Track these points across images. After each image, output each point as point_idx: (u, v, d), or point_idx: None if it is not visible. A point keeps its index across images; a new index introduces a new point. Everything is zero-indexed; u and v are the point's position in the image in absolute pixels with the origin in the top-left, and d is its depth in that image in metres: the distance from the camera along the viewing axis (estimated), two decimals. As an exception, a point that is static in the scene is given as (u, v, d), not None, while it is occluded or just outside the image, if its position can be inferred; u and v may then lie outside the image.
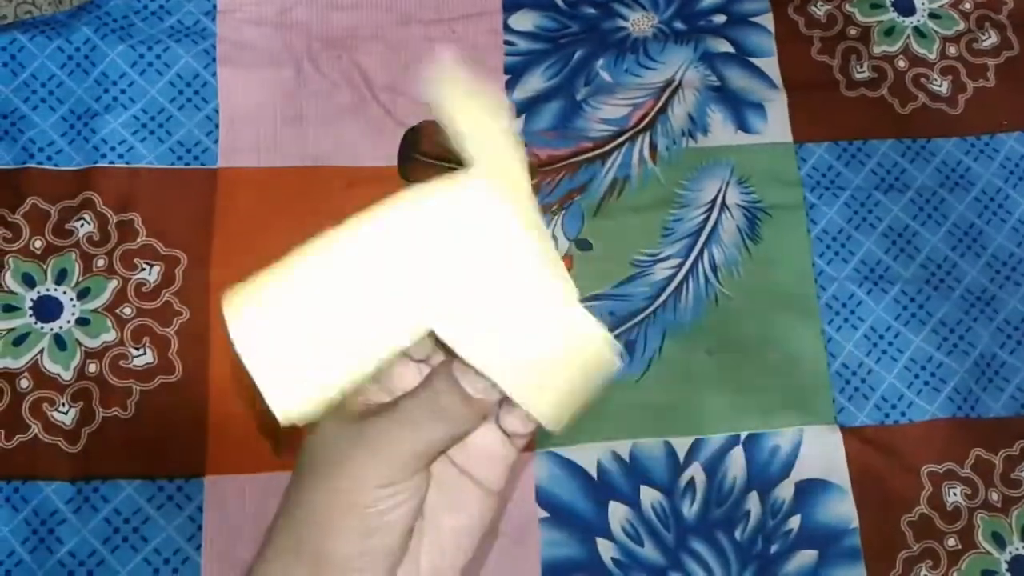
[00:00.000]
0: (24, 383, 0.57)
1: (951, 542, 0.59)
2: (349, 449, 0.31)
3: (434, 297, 0.29)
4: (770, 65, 0.68)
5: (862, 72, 0.68)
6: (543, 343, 0.30)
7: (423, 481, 0.31)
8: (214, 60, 0.64)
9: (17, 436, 0.56)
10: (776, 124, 0.66)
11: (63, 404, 0.56)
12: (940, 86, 0.69)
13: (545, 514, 0.57)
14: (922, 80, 0.69)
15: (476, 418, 0.31)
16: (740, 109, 0.66)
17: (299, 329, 0.29)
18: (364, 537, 0.31)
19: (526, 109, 0.65)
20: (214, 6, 0.65)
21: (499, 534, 0.56)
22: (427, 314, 0.29)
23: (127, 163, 0.62)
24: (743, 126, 0.66)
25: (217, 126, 0.63)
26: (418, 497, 0.32)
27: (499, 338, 0.30)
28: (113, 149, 0.62)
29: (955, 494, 0.60)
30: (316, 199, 0.62)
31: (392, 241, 0.30)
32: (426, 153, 0.64)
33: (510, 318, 0.30)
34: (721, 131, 0.66)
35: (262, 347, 0.29)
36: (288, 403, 0.29)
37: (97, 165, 0.61)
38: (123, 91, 0.63)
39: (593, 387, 0.31)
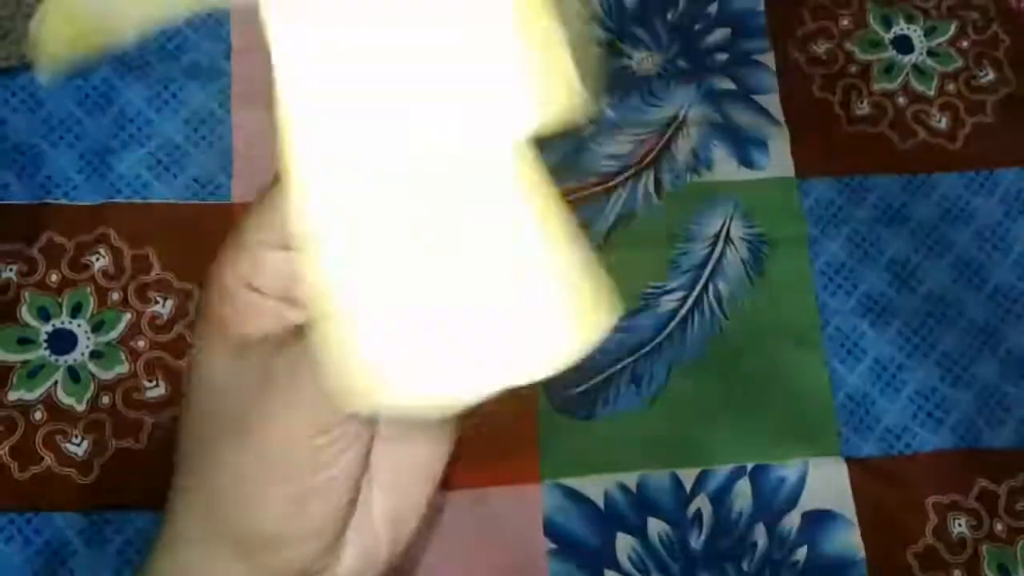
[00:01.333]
0: (38, 415, 0.57)
1: (957, 573, 0.59)
2: (262, 397, 0.24)
3: None
4: (772, 102, 0.69)
5: (862, 108, 0.70)
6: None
7: (365, 427, 0.24)
8: (229, 98, 0.66)
9: (31, 467, 0.56)
10: (778, 159, 0.67)
11: (76, 435, 0.57)
12: (939, 122, 0.70)
13: (553, 546, 0.58)
14: (922, 116, 0.70)
15: None
16: (743, 145, 0.68)
17: None
18: (296, 505, 0.24)
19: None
20: (229, 46, 0.67)
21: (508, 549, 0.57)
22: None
23: (143, 199, 0.63)
24: (746, 161, 0.67)
25: (231, 163, 0.64)
26: (362, 440, 0.25)
27: None
28: (129, 185, 0.63)
29: (960, 525, 0.60)
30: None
31: None
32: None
33: None
34: (724, 166, 0.67)
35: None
36: None
37: (113, 201, 0.62)
38: (139, 128, 0.65)
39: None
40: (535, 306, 0.21)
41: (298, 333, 0.23)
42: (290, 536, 0.25)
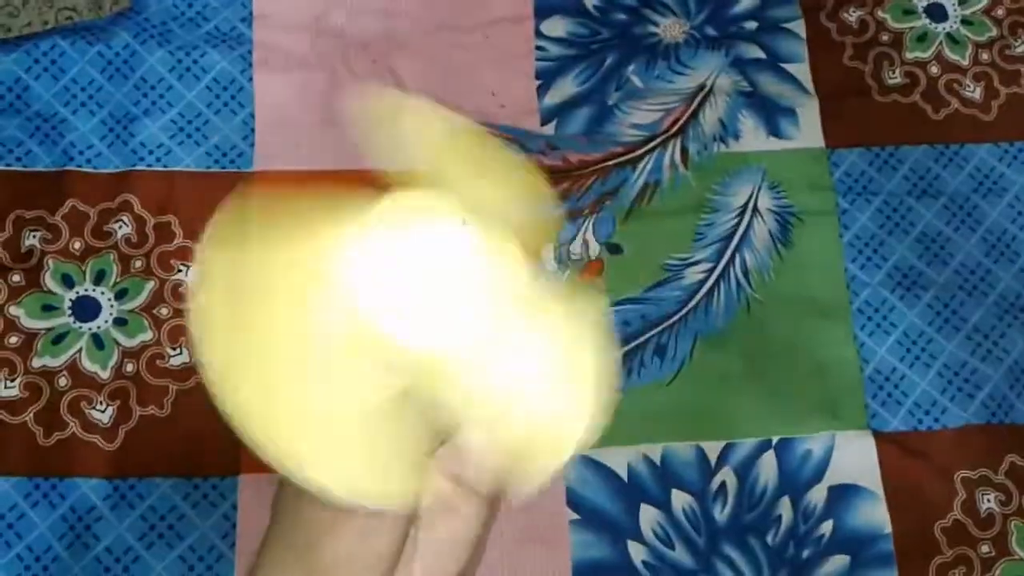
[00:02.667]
0: (63, 381, 0.57)
1: (984, 548, 0.58)
2: None
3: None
4: (802, 71, 0.68)
5: (894, 78, 0.68)
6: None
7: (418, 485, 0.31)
8: (250, 65, 0.65)
9: (55, 434, 0.56)
10: (808, 129, 0.66)
11: (101, 403, 0.57)
12: (973, 92, 0.68)
13: (576, 516, 0.57)
14: (955, 86, 0.68)
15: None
16: (772, 114, 0.66)
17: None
18: (361, 538, 0.31)
19: (557, 114, 0.66)
20: (250, 12, 0.66)
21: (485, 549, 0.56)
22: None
23: (164, 166, 0.63)
24: (775, 131, 0.66)
25: (253, 130, 0.64)
26: (412, 497, 0.31)
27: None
28: (151, 153, 0.63)
29: (989, 500, 0.59)
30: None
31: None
32: (459, 157, 0.64)
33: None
34: (753, 136, 0.66)
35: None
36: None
37: (135, 168, 0.62)
38: (161, 96, 0.64)
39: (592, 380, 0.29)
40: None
41: None
42: (351, 564, 0.31)
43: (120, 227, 0.61)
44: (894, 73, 0.68)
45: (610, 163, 0.65)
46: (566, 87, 0.66)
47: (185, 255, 0.61)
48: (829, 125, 0.66)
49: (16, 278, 0.59)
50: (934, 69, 0.69)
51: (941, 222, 0.65)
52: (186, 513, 0.56)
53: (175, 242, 0.61)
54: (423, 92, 0.65)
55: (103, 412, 0.57)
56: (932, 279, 0.64)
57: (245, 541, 0.56)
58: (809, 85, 0.67)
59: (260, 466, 0.60)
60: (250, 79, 0.65)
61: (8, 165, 0.61)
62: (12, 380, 0.57)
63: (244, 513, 0.56)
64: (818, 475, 0.59)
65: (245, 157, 0.63)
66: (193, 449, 0.57)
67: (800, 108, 0.67)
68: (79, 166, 0.62)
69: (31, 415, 0.57)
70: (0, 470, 0.55)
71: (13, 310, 0.58)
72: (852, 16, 0.70)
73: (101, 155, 0.62)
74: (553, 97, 0.66)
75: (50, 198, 0.61)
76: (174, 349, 0.59)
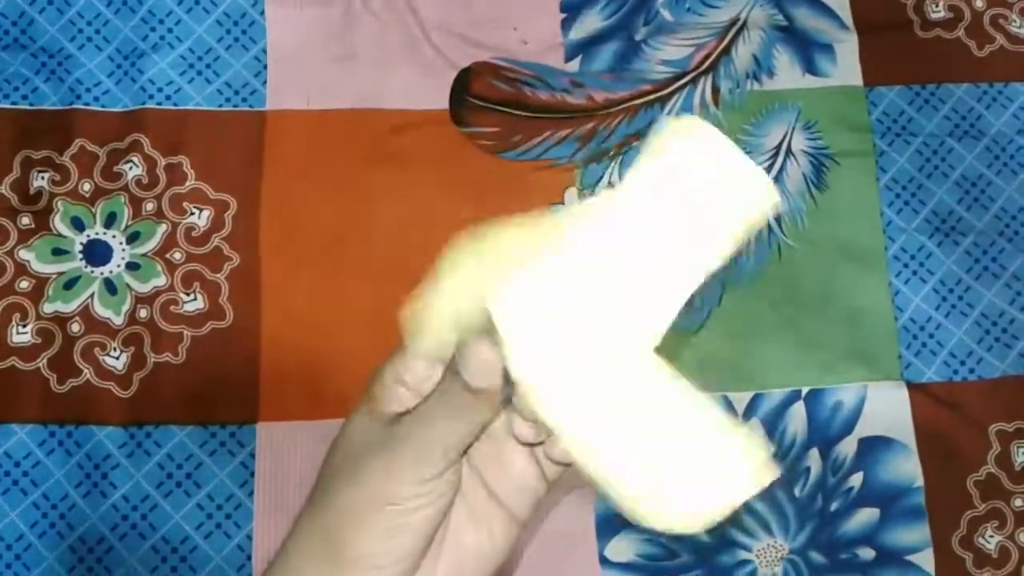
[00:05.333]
0: (75, 327, 0.56)
1: (1018, 503, 0.57)
2: (378, 449, 0.32)
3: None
4: (841, 4, 0.64)
5: (937, 12, 0.65)
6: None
7: (448, 488, 0.32)
8: (262, -2, 0.62)
9: (70, 380, 0.55)
10: (846, 66, 0.63)
11: (115, 349, 0.56)
12: (1020, 27, 0.65)
13: (599, 467, 0.56)
14: (1000, 21, 0.65)
15: (486, 408, 0.31)
16: (808, 50, 0.63)
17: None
18: (387, 535, 0.32)
19: (583, 50, 0.63)
20: (262, -58, 0.63)
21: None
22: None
23: (175, 104, 0.60)
24: (811, 68, 0.63)
25: (265, 67, 0.61)
26: (442, 502, 0.32)
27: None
28: (160, 90, 0.60)
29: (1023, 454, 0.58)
30: (365, 143, 0.60)
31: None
32: (479, 96, 0.62)
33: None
34: (788, 74, 0.63)
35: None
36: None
37: (145, 106, 0.60)
38: (170, 30, 0.62)
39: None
40: (703, 456, 0.28)
41: (414, 414, 0.32)
42: (375, 559, 0.32)
43: (130, 168, 0.59)
44: (937, 6, 0.65)
45: (638, 102, 0.62)
46: (592, 21, 0.63)
47: (197, 198, 0.59)
48: (868, 62, 0.63)
49: (25, 220, 0.58)
50: (979, 3, 0.65)
51: (982, 164, 0.62)
52: (203, 461, 0.55)
53: (187, 184, 0.59)
54: (442, 28, 0.63)
55: (117, 359, 0.56)
56: (971, 224, 0.61)
57: (263, 489, 0.55)
58: (848, 19, 0.64)
59: (278, 413, 0.59)
60: (262, 12, 0.62)
61: (14, 103, 0.59)
62: (24, 326, 0.56)
63: (262, 461, 0.55)
64: (848, 427, 0.57)
65: (257, 95, 0.61)
66: (209, 396, 0.56)
67: (838, 44, 0.64)
68: (87, 104, 0.60)
69: (44, 361, 0.55)
70: (14, 417, 0.55)
71: (23, 254, 0.57)
72: (894, -55, 0.66)
73: (109, 92, 0.60)
74: (578, 32, 0.63)
75: (58, 137, 0.59)
76: (188, 294, 0.57)
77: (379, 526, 0.31)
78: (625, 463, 0.28)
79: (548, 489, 0.35)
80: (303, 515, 0.34)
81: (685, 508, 0.28)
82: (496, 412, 0.32)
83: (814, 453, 0.57)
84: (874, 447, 0.57)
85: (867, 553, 0.56)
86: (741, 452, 0.28)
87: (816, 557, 0.56)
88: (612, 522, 0.55)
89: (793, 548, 0.56)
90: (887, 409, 0.58)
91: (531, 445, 0.33)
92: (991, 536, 0.56)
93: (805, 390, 0.58)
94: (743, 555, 0.56)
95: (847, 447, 0.57)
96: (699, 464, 0.28)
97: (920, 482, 0.57)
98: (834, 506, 0.56)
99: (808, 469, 0.57)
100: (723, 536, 0.56)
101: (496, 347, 0.30)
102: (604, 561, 0.55)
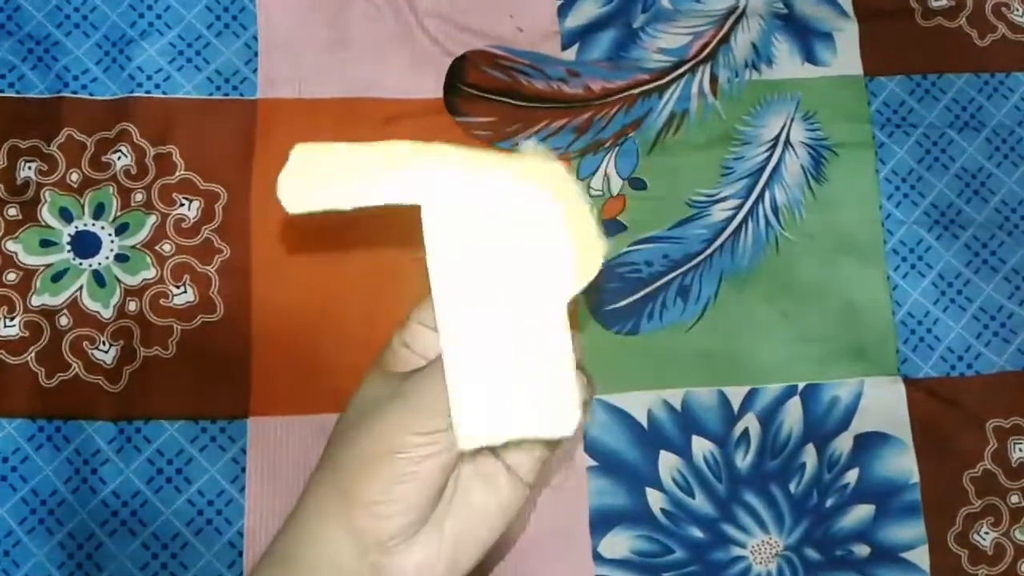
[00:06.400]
0: (64, 320, 0.55)
1: (1014, 499, 0.57)
2: (388, 401, 0.34)
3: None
4: (841, -9, 0.63)
5: (939, 1, 0.64)
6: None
7: (454, 444, 0.33)
8: (252, -17, 0.61)
9: (58, 374, 0.55)
10: (846, 56, 0.62)
11: (104, 342, 0.55)
12: (1022, 17, 0.64)
13: (593, 463, 0.56)
14: (1003, 10, 0.64)
15: None
16: (808, 39, 0.62)
17: None
18: (394, 483, 0.33)
19: (579, 38, 0.62)
20: (252, -75, 0.62)
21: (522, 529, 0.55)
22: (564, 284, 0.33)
23: (164, 93, 0.59)
24: (810, 57, 0.62)
25: (256, 54, 0.60)
26: (448, 456, 0.34)
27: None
28: (149, 78, 0.59)
29: (1021, 450, 0.57)
30: (358, 133, 0.59)
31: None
32: (474, 85, 0.61)
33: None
34: (787, 63, 0.62)
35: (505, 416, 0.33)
36: None
37: (133, 95, 0.59)
38: (158, 16, 0.60)
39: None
40: (548, 389, 0.33)
41: (423, 371, 0.35)
42: (384, 506, 0.34)
43: (119, 158, 0.58)
44: (939, -6, 0.64)
45: (635, 91, 0.61)
46: (589, 8, 0.62)
47: (187, 188, 0.58)
48: (868, 51, 0.62)
49: (12, 211, 0.57)
50: (982, -10, 0.64)
51: (983, 156, 0.62)
52: (194, 456, 0.54)
53: (176, 174, 0.58)
54: (436, 15, 0.62)
55: (106, 352, 0.55)
56: (971, 217, 0.61)
57: (255, 485, 0.54)
58: (848, 7, 0.63)
59: (269, 408, 0.58)
60: (252, -2, 0.61)
61: (1, 91, 0.58)
62: (11, 319, 0.55)
63: (253, 456, 0.55)
64: (845, 423, 0.57)
65: (248, 83, 0.60)
66: (200, 391, 0.55)
67: (838, 32, 0.62)
68: (74, 92, 0.59)
69: (32, 355, 0.55)
70: (2, 411, 0.54)
71: (11, 245, 0.56)
72: (896, -69, 0.65)
73: (97, 80, 0.59)
74: (575, 19, 0.62)
75: (45, 126, 0.58)
76: (178, 287, 0.57)
77: (388, 473, 0.33)
78: (475, 377, 0.32)
79: (552, 452, 0.37)
80: (317, 469, 0.36)
81: (492, 424, 0.32)
82: None
83: (810, 449, 0.57)
84: (870, 443, 0.57)
85: (862, 550, 0.55)
86: (565, 399, 0.33)
87: (811, 554, 0.55)
88: (606, 519, 0.55)
89: (788, 545, 0.56)
90: (884, 405, 0.57)
91: None
92: (986, 533, 0.56)
93: (801, 385, 0.57)
94: (737, 551, 0.55)
95: (843, 443, 0.57)
96: (528, 392, 0.32)
97: (916, 478, 0.56)
98: (829, 502, 0.56)
99: (804, 465, 0.56)
100: (717, 532, 0.56)
101: None
102: (598, 557, 0.55)
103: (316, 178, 0.33)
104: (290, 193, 0.33)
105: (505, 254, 0.32)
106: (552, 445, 0.37)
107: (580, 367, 0.34)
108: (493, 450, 0.36)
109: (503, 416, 0.32)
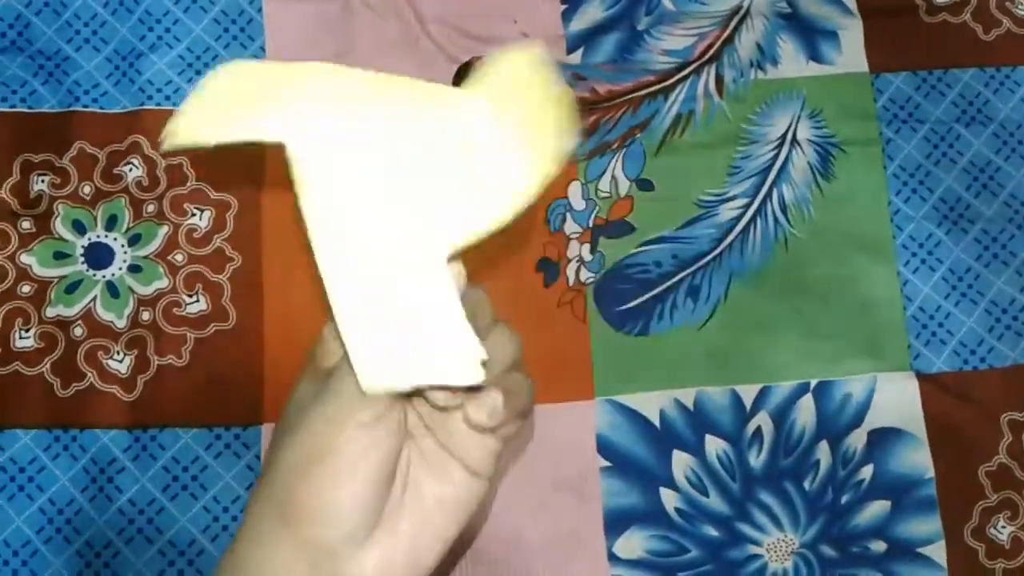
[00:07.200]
0: (78, 331, 0.56)
1: (1031, 493, 0.56)
2: (316, 399, 0.33)
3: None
4: (845, -11, 0.63)
5: (943, -4, 0.64)
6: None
7: (389, 434, 0.32)
8: (259, -5, 0.62)
9: (73, 384, 0.55)
10: (851, 53, 0.62)
11: (118, 352, 0.56)
12: (1027, 10, 0.64)
13: (607, 463, 0.56)
14: (1007, 4, 0.64)
15: None
16: (812, 38, 0.62)
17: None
18: (332, 485, 0.31)
19: (584, 41, 0.62)
20: (258, -62, 0.63)
21: (488, 514, 0.55)
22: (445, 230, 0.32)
23: (174, 105, 0.60)
24: (815, 56, 0.62)
25: (264, 65, 0.61)
26: (385, 449, 0.32)
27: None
28: (159, 91, 0.60)
29: (1036, 443, 0.57)
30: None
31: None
32: (480, 90, 0.61)
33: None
34: (792, 61, 0.62)
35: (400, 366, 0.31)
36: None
37: (144, 107, 0.59)
38: (167, 30, 0.61)
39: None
40: (442, 339, 0.31)
41: (346, 363, 0.32)
42: (324, 512, 0.31)
43: (130, 170, 0.59)
44: (943, -10, 0.64)
45: (641, 93, 0.61)
46: (593, 11, 0.63)
47: (198, 199, 0.58)
48: (873, 48, 0.62)
49: (26, 224, 0.57)
50: (986, -14, 0.64)
51: (991, 151, 0.61)
52: (209, 463, 0.55)
53: (188, 185, 0.59)
54: (440, 21, 0.62)
55: (120, 362, 0.56)
56: (980, 212, 0.61)
57: (269, 491, 0.54)
58: (852, 5, 0.63)
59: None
60: (259, 10, 0.62)
61: (13, 107, 0.59)
62: (27, 330, 0.56)
63: (268, 463, 0.55)
64: (858, 419, 0.57)
65: (257, 93, 0.60)
66: (213, 399, 0.56)
67: (842, 30, 0.63)
68: (85, 106, 0.59)
69: (47, 366, 0.55)
70: (18, 422, 0.54)
71: (25, 258, 0.57)
72: (899, -71, 0.65)
73: (107, 94, 0.60)
74: (580, 23, 0.62)
75: (57, 140, 0.59)
76: (191, 296, 0.57)
77: (323, 477, 0.31)
78: (366, 322, 0.31)
79: (501, 444, 0.35)
80: (257, 485, 0.34)
81: (392, 371, 0.31)
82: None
83: (823, 446, 0.56)
84: (884, 439, 0.57)
85: (879, 546, 0.55)
86: (460, 348, 0.31)
87: (827, 551, 0.55)
88: (621, 519, 0.55)
89: (804, 542, 0.55)
90: (897, 400, 0.57)
91: (481, 429, 0.34)
92: (1003, 527, 0.56)
93: (814, 382, 0.57)
94: (753, 550, 0.55)
95: (857, 439, 0.57)
96: (421, 340, 0.31)
97: (931, 473, 0.56)
98: (845, 499, 0.56)
99: (818, 462, 0.56)
100: (732, 531, 0.55)
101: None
102: (613, 558, 0.55)
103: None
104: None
105: (394, 192, 0.31)
106: (504, 437, 0.35)
107: (519, 369, 0.34)
108: (438, 444, 0.35)
109: (402, 364, 0.31)
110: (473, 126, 0.32)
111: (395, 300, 0.31)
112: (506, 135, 0.32)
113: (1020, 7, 0.64)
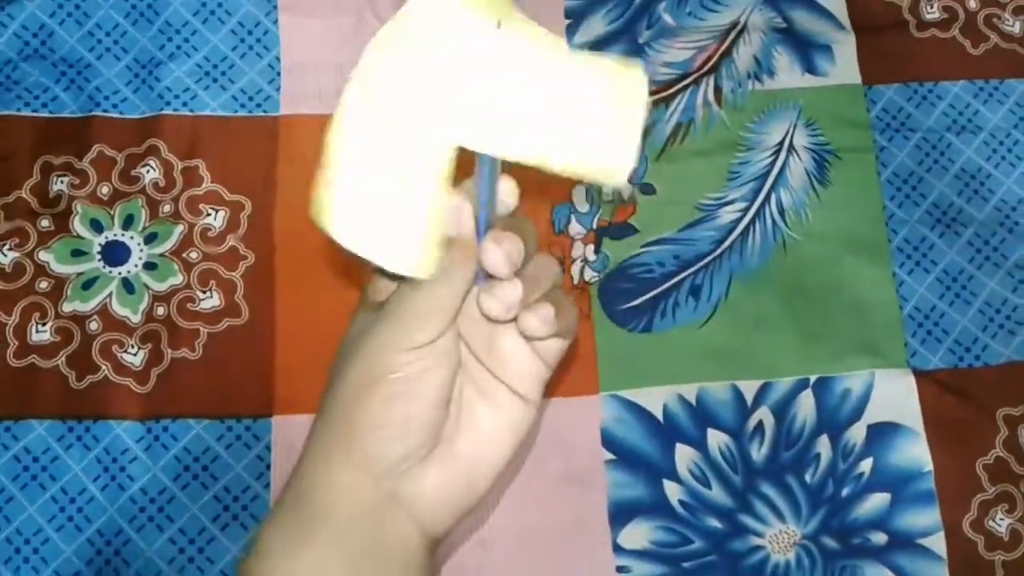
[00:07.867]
0: (94, 325, 0.57)
1: (1028, 487, 0.57)
2: (371, 327, 0.34)
3: (449, 112, 0.32)
4: (838, 6, 0.66)
5: (932, 13, 0.67)
6: (568, 102, 0.31)
7: (443, 356, 0.33)
8: (275, 7, 0.64)
9: (88, 377, 0.56)
10: (845, 66, 0.65)
11: (132, 346, 0.57)
12: (1012, 26, 0.67)
13: (611, 456, 0.57)
14: (994, 20, 0.67)
15: (461, 262, 0.33)
16: (807, 51, 0.65)
17: (372, 194, 0.32)
18: (388, 403, 0.33)
19: (587, 53, 0.64)
20: (275, -46, 0.65)
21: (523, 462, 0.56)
22: (450, 131, 0.32)
23: (191, 111, 0.62)
24: (810, 68, 0.65)
25: (279, 74, 0.63)
26: (440, 371, 0.33)
27: (527, 122, 0.31)
28: (177, 97, 0.62)
29: (1032, 439, 0.58)
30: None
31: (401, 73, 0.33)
32: (487, 98, 0.63)
33: (525, 97, 0.31)
34: (788, 73, 0.64)
35: (361, 232, 0.32)
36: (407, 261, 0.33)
37: (162, 113, 0.61)
38: (186, 40, 0.63)
39: (638, 117, 0.32)
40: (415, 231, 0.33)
41: (399, 290, 0.34)
42: (382, 430, 0.33)
43: (148, 172, 0.60)
44: (932, 8, 0.67)
45: (642, 102, 0.63)
46: (596, 25, 0.65)
47: (213, 199, 0.60)
48: (866, 61, 0.65)
49: (45, 223, 0.59)
50: (972, 4, 0.67)
51: (981, 158, 0.64)
52: (220, 454, 0.56)
53: (203, 186, 0.60)
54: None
55: (135, 355, 0.57)
56: (972, 216, 0.62)
57: (279, 480, 0.55)
58: (845, 20, 0.66)
59: (293, 407, 0.60)
60: (275, 22, 0.64)
61: (35, 111, 0.61)
62: (43, 324, 0.57)
63: (277, 453, 0.56)
64: (857, 413, 0.58)
65: (271, 101, 0.63)
66: (225, 391, 0.57)
67: (836, 44, 0.65)
68: (105, 111, 0.61)
69: (63, 359, 0.56)
70: (33, 413, 0.55)
71: (43, 255, 0.58)
72: (888, -50, 0.68)
73: (127, 100, 0.62)
74: (583, 36, 0.65)
75: (77, 144, 0.61)
76: (204, 292, 0.58)
77: (380, 396, 0.33)
78: (359, 178, 0.32)
79: (549, 369, 0.37)
80: (317, 416, 0.35)
81: (360, 234, 0.32)
82: (473, 264, 0.33)
83: (824, 440, 0.58)
84: (883, 433, 0.58)
85: (879, 538, 0.56)
86: (426, 240, 0.32)
87: (828, 542, 0.56)
88: (626, 511, 0.56)
89: (805, 534, 0.56)
90: (895, 396, 0.58)
91: (501, 322, 0.35)
92: (1001, 519, 0.57)
93: (813, 378, 0.59)
94: (755, 541, 0.56)
95: (856, 433, 0.58)
96: (393, 219, 0.32)
97: (929, 467, 0.57)
98: (845, 492, 0.57)
99: (818, 456, 0.57)
100: (735, 523, 0.56)
101: (464, 195, 0.33)
102: (618, 549, 0.55)
103: None
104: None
105: (422, 88, 0.32)
106: (550, 364, 0.37)
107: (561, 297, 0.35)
108: (488, 370, 0.36)
109: (369, 233, 0.32)
110: (583, 88, 0.31)
111: (391, 175, 0.32)
112: (610, 115, 0.32)
113: (1007, 23, 0.67)
